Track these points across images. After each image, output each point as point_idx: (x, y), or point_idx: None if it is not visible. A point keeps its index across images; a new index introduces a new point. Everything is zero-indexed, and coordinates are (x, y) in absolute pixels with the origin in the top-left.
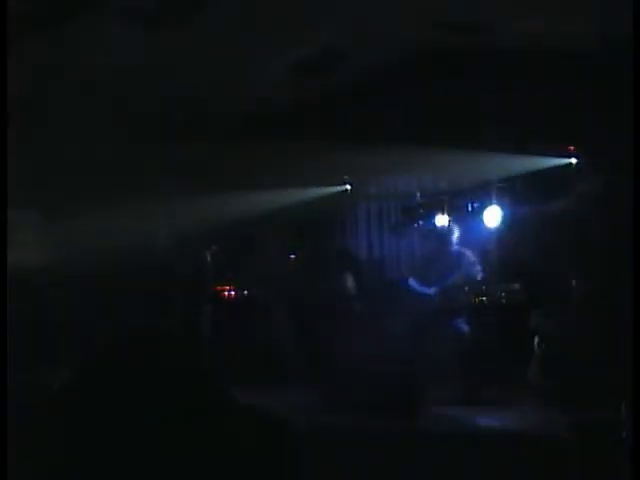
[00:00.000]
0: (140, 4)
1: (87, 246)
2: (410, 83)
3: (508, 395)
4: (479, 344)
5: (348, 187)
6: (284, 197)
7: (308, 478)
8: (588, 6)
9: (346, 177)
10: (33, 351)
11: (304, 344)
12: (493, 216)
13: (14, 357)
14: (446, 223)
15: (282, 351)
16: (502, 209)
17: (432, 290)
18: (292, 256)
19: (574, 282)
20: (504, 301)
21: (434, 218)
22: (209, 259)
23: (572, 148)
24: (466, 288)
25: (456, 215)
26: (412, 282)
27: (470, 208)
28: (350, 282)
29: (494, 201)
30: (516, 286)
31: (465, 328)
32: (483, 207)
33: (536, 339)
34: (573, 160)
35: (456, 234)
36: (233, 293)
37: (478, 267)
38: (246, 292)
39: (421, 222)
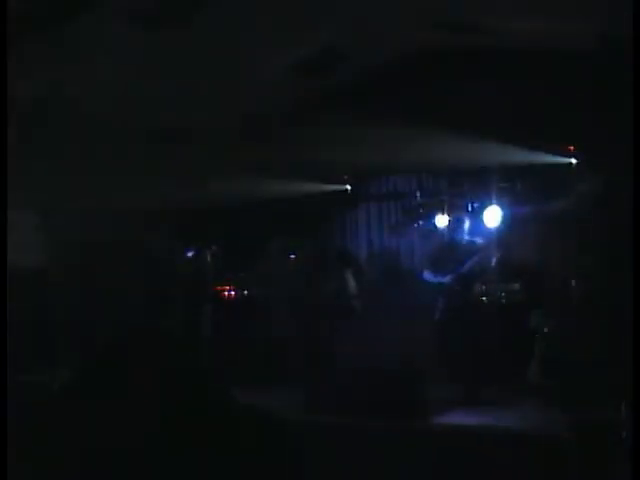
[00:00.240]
0: (140, 4)
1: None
2: (410, 83)
3: (508, 395)
4: (479, 344)
5: (348, 187)
6: (284, 197)
7: (308, 477)
8: (588, 6)
9: (346, 177)
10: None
11: (304, 344)
12: (493, 216)
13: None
14: (446, 222)
15: (282, 351)
16: (502, 209)
17: (448, 278)
18: (292, 256)
19: (574, 282)
20: (504, 301)
21: (434, 218)
22: (209, 259)
23: (572, 148)
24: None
25: (456, 215)
26: (427, 274)
27: (470, 208)
28: (350, 281)
29: (494, 201)
30: (516, 286)
31: (466, 327)
32: (483, 207)
33: (536, 339)
34: (573, 160)
35: (467, 224)
36: (233, 293)
37: (491, 253)
38: (246, 292)
39: (421, 222)
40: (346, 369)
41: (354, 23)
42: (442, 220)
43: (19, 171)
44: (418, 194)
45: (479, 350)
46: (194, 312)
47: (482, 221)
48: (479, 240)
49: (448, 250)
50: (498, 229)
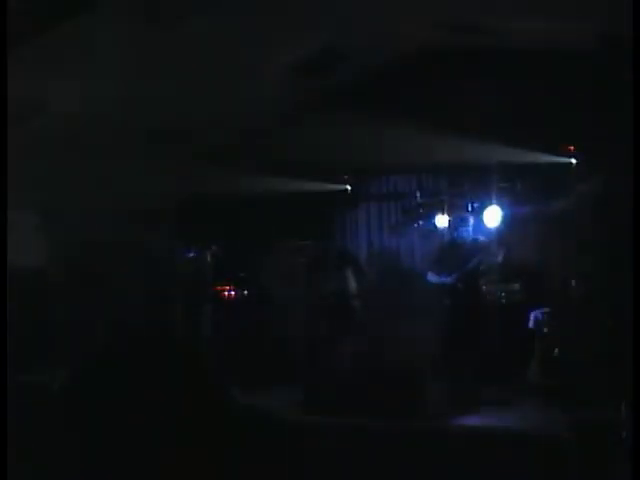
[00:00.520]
0: (140, 4)
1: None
2: (410, 83)
3: (508, 395)
4: (479, 344)
5: (348, 187)
6: (284, 197)
7: (307, 477)
8: (588, 6)
9: (346, 177)
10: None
11: (304, 344)
12: (493, 216)
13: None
14: (446, 223)
15: (282, 351)
16: (502, 209)
17: (451, 278)
18: (292, 256)
19: (574, 282)
20: (504, 301)
21: (434, 218)
22: (209, 259)
23: (572, 148)
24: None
25: (456, 215)
26: (431, 276)
27: (470, 208)
28: (351, 280)
29: (494, 201)
30: (516, 286)
31: (465, 327)
32: (483, 207)
33: (536, 339)
34: (573, 160)
35: (467, 224)
36: (233, 293)
37: (492, 253)
38: (246, 292)
39: (421, 222)
40: (346, 369)
41: (354, 23)
42: (442, 220)
43: (19, 171)
44: (418, 194)
45: (479, 350)
46: (194, 312)
47: (482, 221)
48: (479, 240)
49: (449, 250)
50: (498, 229)
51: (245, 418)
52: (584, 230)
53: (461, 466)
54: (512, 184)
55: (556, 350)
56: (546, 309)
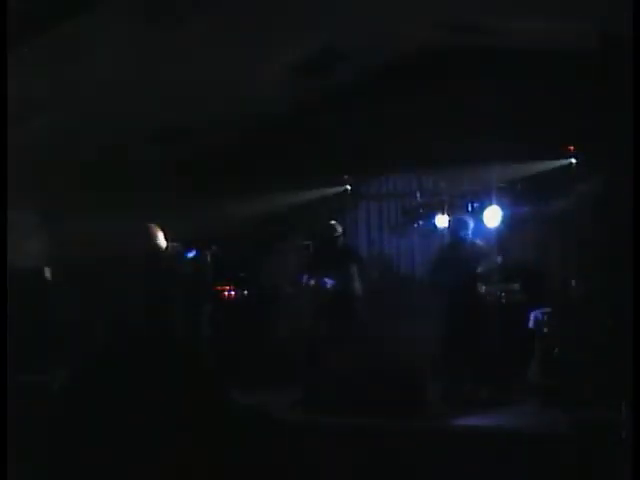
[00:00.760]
0: (140, 4)
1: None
2: (410, 83)
3: (508, 395)
4: (479, 344)
5: (348, 187)
6: (284, 197)
7: (307, 476)
8: (588, 6)
9: (346, 177)
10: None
11: (304, 344)
12: (493, 216)
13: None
14: (446, 223)
15: (282, 351)
16: (502, 209)
17: (450, 284)
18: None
19: (574, 282)
20: (504, 301)
21: (434, 218)
22: (209, 259)
23: (572, 148)
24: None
25: (456, 215)
26: (432, 276)
27: (470, 208)
28: (355, 278)
29: (494, 201)
30: (516, 286)
31: (465, 327)
32: (483, 207)
33: (536, 339)
34: (573, 160)
35: (470, 225)
36: (233, 293)
37: (493, 256)
38: (246, 292)
39: (421, 222)
40: (346, 369)
41: (354, 23)
42: (442, 220)
43: (19, 171)
44: (418, 194)
45: (479, 350)
46: (194, 312)
47: (482, 221)
48: (480, 240)
49: (449, 250)
50: (498, 229)
51: (245, 418)
52: (584, 230)
53: (461, 466)
54: (512, 184)
55: (556, 350)
56: (546, 309)
